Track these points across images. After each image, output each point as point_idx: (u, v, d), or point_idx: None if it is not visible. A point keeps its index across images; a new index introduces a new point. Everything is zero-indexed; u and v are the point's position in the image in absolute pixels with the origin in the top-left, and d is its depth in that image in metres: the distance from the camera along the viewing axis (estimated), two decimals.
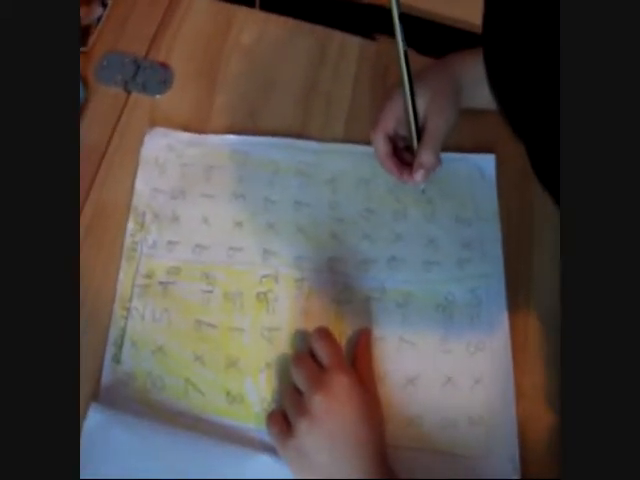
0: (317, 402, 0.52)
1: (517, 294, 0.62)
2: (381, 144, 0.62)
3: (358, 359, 0.58)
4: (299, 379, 0.55)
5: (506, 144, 0.67)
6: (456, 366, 0.59)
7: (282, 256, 0.63)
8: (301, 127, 0.70)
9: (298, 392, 0.55)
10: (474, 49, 0.64)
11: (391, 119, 0.62)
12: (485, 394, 0.58)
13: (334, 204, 0.66)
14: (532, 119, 0.33)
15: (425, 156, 0.60)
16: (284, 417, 0.55)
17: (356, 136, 0.69)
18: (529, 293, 0.62)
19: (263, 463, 0.55)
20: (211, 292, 0.62)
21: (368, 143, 0.66)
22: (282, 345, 0.60)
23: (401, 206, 0.66)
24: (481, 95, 0.57)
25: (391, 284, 0.62)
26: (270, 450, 0.55)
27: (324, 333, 0.58)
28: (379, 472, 0.52)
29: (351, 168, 0.67)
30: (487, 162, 0.67)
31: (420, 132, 0.61)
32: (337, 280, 0.62)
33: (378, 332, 0.60)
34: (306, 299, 0.62)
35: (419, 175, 0.60)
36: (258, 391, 0.58)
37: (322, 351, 0.56)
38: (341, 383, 0.53)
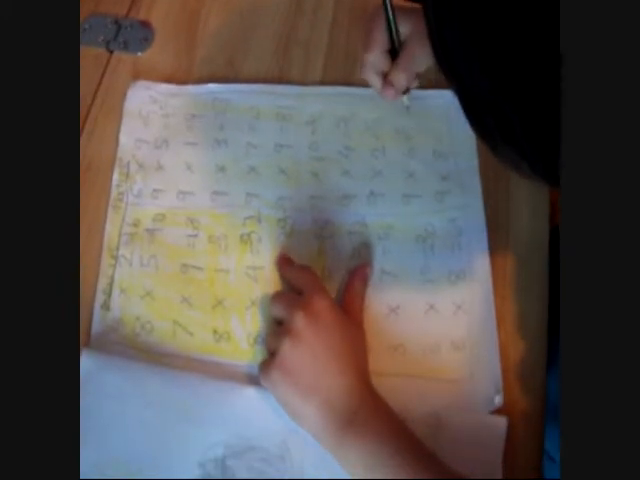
0: (299, 319, 0.53)
1: (496, 224, 0.62)
2: (381, 60, 0.62)
3: (350, 288, 0.59)
4: (279, 309, 0.57)
5: None
6: (438, 294, 0.60)
7: (264, 198, 0.64)
8: (280, 73, 0.71)
9: (280, 325, 0.56)
10: None
11: (382, 38, 0.61)
12: (467, 319, 0.59)
13: (314, 144, 0.67)
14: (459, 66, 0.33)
15: (395, 76, 0.61)
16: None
17: (334, 79, 0.70)
18: (508, 224, 0.63)
19: (251, 395, 0.56)
20: (196, 236, 0.63)
21: (346, 84, 0.67)
22: (266, 283, 0.61)
23: (379, 143, 0.66)
24: None
25: (371, 218, 0.63)
26: (257, 383, 0.56)
27: (303, 268, 0.59)
28: (363, 388, 0.53)
29: (330, 109, 0.68)
30: None
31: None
32: (319, 217, 0.63)
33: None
34: (288, 237, 0.62)
35: (389, 92, 0.62)
36: (244, 327, 0.59)
37: (301, 280, 0.58)
38: (321, 303, 0.54)
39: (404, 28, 0.60)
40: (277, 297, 0.58)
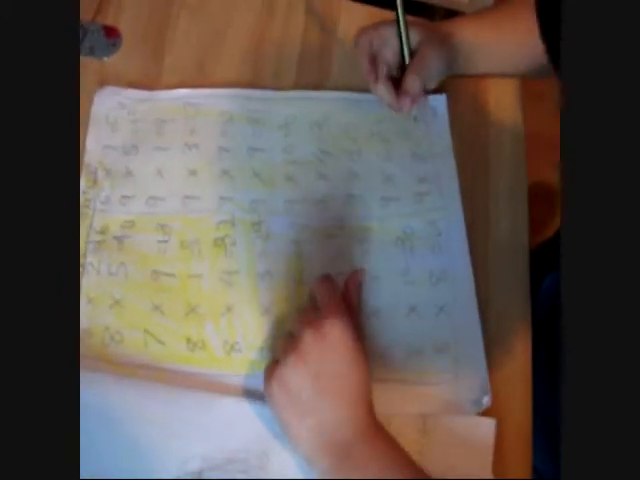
0: (306, 335, 0.50)
1: (475, 225, 0.62)
2: (389, 87, 0.62)
3: (346, 297, 0.57)
4: (296, 325, 0.54)
5: (456, 84, 0.68)
6: (419, 296, 0.59)
7: (238, 201, 0.62)
8: (252, 78, 0.70)
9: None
10: (471, 16, 0.67)
11: (386, 62, 0.62)
12: (449, 321, 0.58)
13: (288, 148, 0.65)
14: None
15: (410, 83, 0.60)
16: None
17: (307, 83, 0.69)
18: (488, 224, 0.62)
19: (229, 406, 0.54)
20: (167, 242, 0.61)
21: (319, 88, 0.66)
22: (242, 288, 0.59)
23: (356, 146, 0.65)
24: (477, 62, 0.63)
25: (349, 221, 0.62)
26: (235, 393, 0.54)
27: (325, 279, 0.57)
28: (363, 420, 0.50)
29: (303, 112, 0.67)
30: (439, 102, 0.67)
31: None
32: (295, 221, 0.62)
33: (339, 269, 0.59)
34: (264, 241, 0.61)
35: (406, 101, 0.61)
36: (220, 335, 0.57)
37: (320, 297, 0.55)
38: (333, 324, 0.51)
39: (413, 38, 0.61)
40: (300, 313, 0.56)
